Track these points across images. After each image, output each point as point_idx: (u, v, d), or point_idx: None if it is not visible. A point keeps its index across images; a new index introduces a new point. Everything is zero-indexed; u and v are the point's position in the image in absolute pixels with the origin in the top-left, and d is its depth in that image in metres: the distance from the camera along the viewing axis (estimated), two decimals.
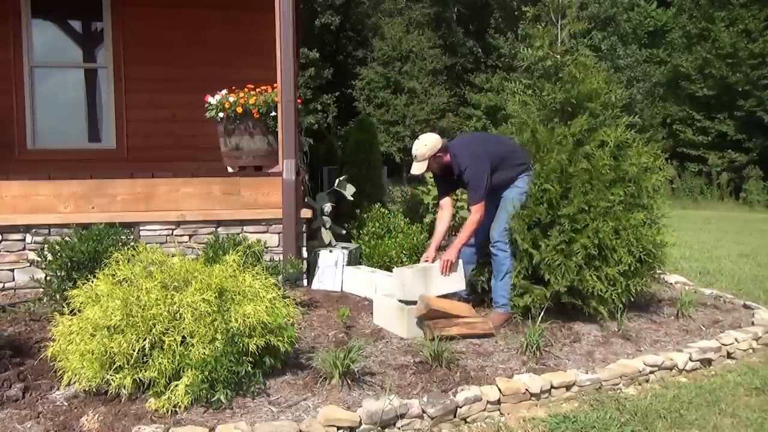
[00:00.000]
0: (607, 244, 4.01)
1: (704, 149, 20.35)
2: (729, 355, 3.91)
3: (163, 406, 2.68)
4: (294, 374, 3.13)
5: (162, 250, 3.31)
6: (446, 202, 4.38)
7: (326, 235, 5.52)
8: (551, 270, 4.02)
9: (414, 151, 4.18)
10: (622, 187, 4.15)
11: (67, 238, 4.09)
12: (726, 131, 19.88)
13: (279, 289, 3.23)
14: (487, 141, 4.52)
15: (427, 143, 4.13)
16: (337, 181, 5.96)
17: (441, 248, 4.41)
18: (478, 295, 4.47)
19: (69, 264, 3.93)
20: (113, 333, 2.74)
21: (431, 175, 5.09)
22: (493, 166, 4.09)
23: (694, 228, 11.42)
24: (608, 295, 4.04)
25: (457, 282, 4.18)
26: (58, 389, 2.91)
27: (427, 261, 4.21)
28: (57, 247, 3.99)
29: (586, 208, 4.02)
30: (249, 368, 2.83)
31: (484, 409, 2.97)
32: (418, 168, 4.18)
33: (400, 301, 3.99)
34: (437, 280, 4.07)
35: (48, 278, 4.02)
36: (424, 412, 2.82)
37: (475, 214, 4.06)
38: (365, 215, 5.95)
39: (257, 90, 5.44)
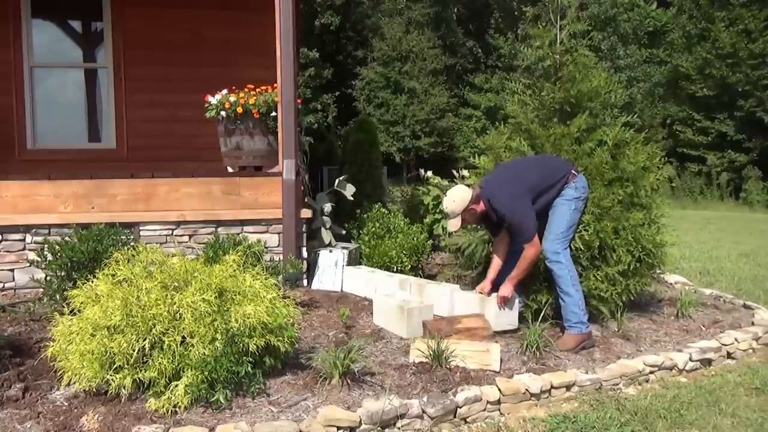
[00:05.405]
0: (607, 244, 4.01)
1: (704, 149, 20.32)
2: (729, 355, 3.91)
3: (163, 406, 2.68)
4: (294, 374, 3.13)
5: (162, 250, 3.31)
6: (501, 237, 4.04)
7: (326, 235, 5.53)
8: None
9: (444, 208, 3.93)
10: (620, 186, 4.15)
11: (67, 238, 4.09)
12: (726, 131, 19.85)
13: (279, 289, 3.23)
14: (521, 173, 3.97)
15: (455, 199, 3.81)
16: (337, 181, 5.97)
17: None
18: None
19: (69, 264, 3.93)
20: (113, 333, 2.74)
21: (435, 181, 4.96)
22: (534, 194, 3.81)
23: (694, 228, 11.41)
24: (608, 294, 4.04)
25: (511, 318, 3.97)
26: (58, 389, 2.92)
27: (482, 292, 4.02)
28: (57, 247, 3.99)
29: (594, 210, 4.03)
30: (249, 368, 2.83)
31: (484, 409, 2.97)
32: (453, 225, 3.84)
33: None
34: (492, 313, 3.91)
35: (48, 278, 4.02)
36: (424, 412, 2.82)
37: (529, 249, 3.75)
38: (365, 215, 5.95)
39: (257, 90, 5.45)
